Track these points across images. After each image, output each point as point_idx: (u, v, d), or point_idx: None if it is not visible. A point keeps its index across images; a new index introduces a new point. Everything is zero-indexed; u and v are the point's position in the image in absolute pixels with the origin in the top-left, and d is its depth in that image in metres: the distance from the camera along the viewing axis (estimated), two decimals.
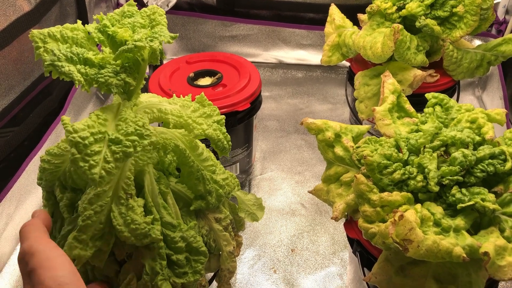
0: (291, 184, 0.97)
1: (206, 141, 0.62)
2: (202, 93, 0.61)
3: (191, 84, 0.88)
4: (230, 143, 0.60)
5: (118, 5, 1.28)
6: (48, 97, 0.93)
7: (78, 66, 0.47)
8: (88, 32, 0.51)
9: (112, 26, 0.51)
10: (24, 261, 0.44)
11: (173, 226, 0.53)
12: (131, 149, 0.44)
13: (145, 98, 0.57)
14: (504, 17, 1.18)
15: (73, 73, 0.45)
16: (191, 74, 0.91)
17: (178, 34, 0.52)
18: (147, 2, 1.24)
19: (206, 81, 0.91)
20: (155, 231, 0.51)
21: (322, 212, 0.90)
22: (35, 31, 0.47)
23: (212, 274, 0.66)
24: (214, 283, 0.65)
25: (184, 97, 0.61)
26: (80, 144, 0.43)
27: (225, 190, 0.59)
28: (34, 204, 0.88)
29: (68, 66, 0.46)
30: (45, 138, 0.89)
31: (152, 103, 0.55)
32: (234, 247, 0.61)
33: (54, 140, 0.92)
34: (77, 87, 0.47)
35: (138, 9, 0.56)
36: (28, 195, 0.86)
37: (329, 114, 1.17)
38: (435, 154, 0.54)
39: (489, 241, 0.49)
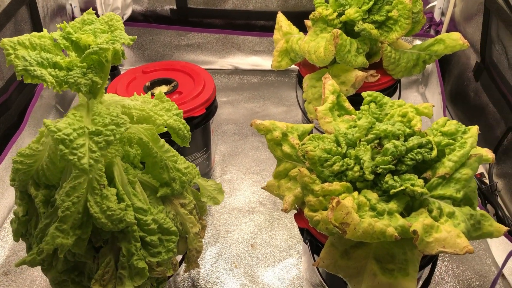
0: (249, 184, 1.02)
1: (165, 136, 0.66)
2: (160, 90, 0.67)
3: (147, 93, 0.92)
4: (190, 132, 0.65)
5: (73, 18, 1.30)
6: (7, 111, 0.94)
7: (49, 70, 0.51)
8: (54, 39, 0.56)
9: (75, 33, 0.55)
10: None
11: (144, 211, 0.59)
12: (112, 137, 0.51)
13: (108, 97, 0.62)
14: (440, 18, 1.27)
15: (45, 76, 0.50)
16: (148, 83, 0.94)
17: (136, 37, 0.57)
18: (102, 15, 1.26)
19: (162, 89, 0.94)
20: (129, 215, 0.57)
21: (279, 208, 0.95)
22: (5, 40, 0.51)
23: (180, 257, 0.72)
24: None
25: None
26: (65, 140, 0.49)
27: (188, 178, 0.65)
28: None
29: (39, 70, 0.50)
30: (6, 152, 0.91)
31: (115, 100, 0.60)
32: (199, 228, 0.67)
33: (15, 153, 0.93)
34: (49, 88, 0.51)
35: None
36: None
37: (283, 116, 1.22)
38: (369, 146, 0.60)
39: (418, 221, 0.55)
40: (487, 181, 0.94)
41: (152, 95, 0.68)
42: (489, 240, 0.87)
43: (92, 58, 0.53)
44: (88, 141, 0.51)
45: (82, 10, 1.32)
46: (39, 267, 0.82)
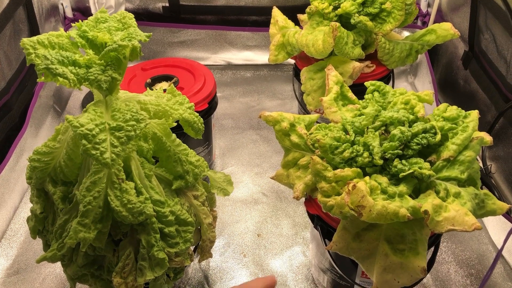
0: (251, 176, 1.04)
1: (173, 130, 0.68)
2: (172, 84, 0.69)
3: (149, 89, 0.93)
4: (203, 125, 0.68)
5: (66, 18, 1.30)
6: (9, 112, 0.95)
7: (69, 68, 0.52)
8: (71, 38, 0.57)
9: (90, 32, 0.56)
10: None
11: (162, 203, 0.61)
12: (132, 133, 0.52)
13: (122, 93, 0.63)
14: (427, 9, 1.31)
15: (67, 74, 0.51)
16: (148, 80, 0.96)
17: (151, 33, 0.58)
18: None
19: (163, 85, 0.96)
20: (148, 208, 0.58)
21: (282, 199, 0.98)
22: (25, 39, 0.52)
23: (193, 248, 0.74)
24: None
25: None
26: (88, 135, 0.50)
27: (199, 170, 0.67)
28: (5, 218, 0.90)
29: (61, 68, 0.51)
30: (11, 153, 0.91)
31: (130, 96, 0.62)
32: (212, 219, 0.69)
33: (19, 154, 0.94)
34: (71, 86, 0.52)
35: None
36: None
37: (279, 109, 1.25)
38: (377, 133, 0.62)
39: (428, 202, 0.58)
40: (481, 164, 0.98)
41: (164, 90, 0.70)
42: (485, 220, 0.91)
43: (111, 55, 0.54)
44: (109, 136, 0.52)
45: (74, 10, 1.32)
46: (49, 265, 0.84)
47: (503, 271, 0.83)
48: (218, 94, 1.29)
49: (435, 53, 1.29)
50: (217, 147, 1.12)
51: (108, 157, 0.51)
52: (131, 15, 0.61)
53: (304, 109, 1.06)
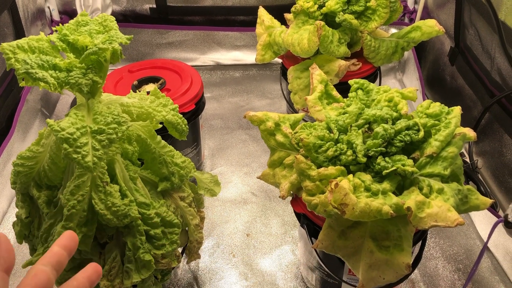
0: (240, 176, 1.04)
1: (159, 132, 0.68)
2: (155, 86, 0.68)
3: (135, 91, 0.93)
4: (187, 126, 0.68)
5: (52, 21, 1.30)
6: None
7: (50, 72, 0.52)
8: (51, 42, 0.57)
9: (71, 35, 0.56)
10: None
11: (147, 205, 0.61)
12: (114, 135, 0.52)
13: (105, 96, 0.63)
14: (414, 6, 1.31)
15: (47, 78, 0.51)
16: (135, 82, 0.96)
17: (132, 36, 0.58)
18: None
19: (150, 87, 0.96)
20: (133, 210, 0.59)
21: (271, 198, 0.98)
22: (4, 44, 0.52)
23: (180, 250, 0.74)
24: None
25: None
26: (69, 139, 0.50)
27: (185, 171, 0.67)
28: None
29: (41, 72, 0.51)
30: None
31: (113, 99, 0.62)
32: (199, 220, 0.69)
33: (6, 159, 0.94)
34: (52, 90, 0.52)
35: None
36: None
37: (268, 108, 1.25)
38: (360, 131, 0.63)
39: (411, 198, 0.58)
40: (467, 160, 0.98)
41: (148, 92, 0.70)
42: (472, 215, 0.91)
43: (91, 58, 0.54)
44: (91, 140, 0.53)
45: (61, 13, 1.31)
46: None
47: (490, 265, 0.83)
48: (207, 95, 1.29)
49: (422, 49, 1.29)
50: (206, 147, 1.12)
51: (90, 161, 0.51)
52: (112, 18, 0.61)
53: (292, 108, 1.06)
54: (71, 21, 0.60)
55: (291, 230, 0.91)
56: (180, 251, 0.72)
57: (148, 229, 0.62)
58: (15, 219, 0.67)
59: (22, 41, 0.54)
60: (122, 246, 0.63)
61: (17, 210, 0.67)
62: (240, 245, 0.88)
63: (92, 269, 0.43)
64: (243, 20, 1.36)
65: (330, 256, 0.67)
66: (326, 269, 0.71)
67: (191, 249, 0.72)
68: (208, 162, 1.08)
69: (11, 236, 0.89)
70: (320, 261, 0.71)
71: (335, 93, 0.74)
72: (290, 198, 0.71)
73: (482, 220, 0.88)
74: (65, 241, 0.43)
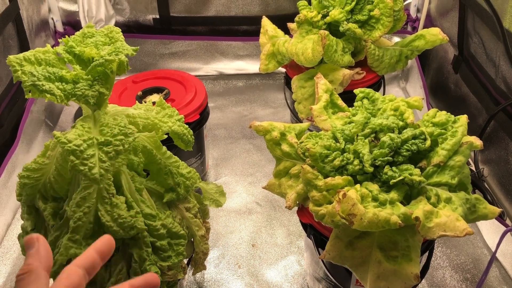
0: (244, 186, 1.04)
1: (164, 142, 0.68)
2: (161, 97, 0.68)
3: (140, 102, 0.93)
4: (193, 136, 0.67)
5: (56, 33, 1.30)
6: (0, 129, 0.94)
7: (56, 84, 0.52)
8: (58, 54, 0.57)
9: (77, 47, 0.56)
10: None
11: (153, 216, 0.60)
12: (121, 147, 0.52)
13: (110, 108, 0.63)
14: (416, 15, 1.31)
15: (53, 90, 0.51)
16: (139, 93, 0.96)
17: (138, 47, 0.58)
18: None
19: (154, 97, 0.96)
20: (139, 222, 0.58)
21: (276, 208, 0.98)
22: (11, 57, 0.52)
23: (186, 261, 0.73)
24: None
25: None
26: (76, 151, 0.50)
27: (191, 182, 0.67)
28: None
29: (47, 84, 0.51)
30: (2, 170, 0.91)
31: (119, 110, 0.62)
32: (204, 231, 0.69)
33: (11, 170, 0.94)
34: (59, 102, 0.52)
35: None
36: None
37: (271, 117, 1.25)
38: (367, 140, 0.63)
39: (419, 208, 0.58)
40: (473, 168, 0.98)
41: (154, 103, 0.70)
42: (479, 224, 0.91)
43: (98, 70, 0.55)
44: (97, 152, 0.52)
45: (64, 24, 1.32)
46: None
47: (498, 275, 0.82)
48: (210, 105, 1.29)
49: (425, 58, 1.29)
50: (210, 157, 1.12)
51: (96, 173, 0.51)
52: (118, 29, 0.61)
53: (296, 117, 1.06)
54: (77, 33, 0.60)
55: (296, 240, 0.90)
56: (186, 262, 0.71)
57: (154, 241, 0.62)
58: (19, 231, 0.67)
59: (28, 53, 0.54)
60: (128, 258, 0.62)
61: (22, 222, 0.66)
62: (245, 256, 0.88)
63: (102, 242, 0.43)
64: (246, 29, 1.36)
65: (337, 267, 0.66)
66: (333, 279, 0.70)
67: (197, 260, 0.72)
68: (212, 172, 1.08)
69: (16, 248, 0.89)
70: (327, 272, 0.70)
71: (340, 102, 0.74)
72: (295, 208, 0.71)
73: (489, 229, 0.88)
74: (100, 246, 0.42)
